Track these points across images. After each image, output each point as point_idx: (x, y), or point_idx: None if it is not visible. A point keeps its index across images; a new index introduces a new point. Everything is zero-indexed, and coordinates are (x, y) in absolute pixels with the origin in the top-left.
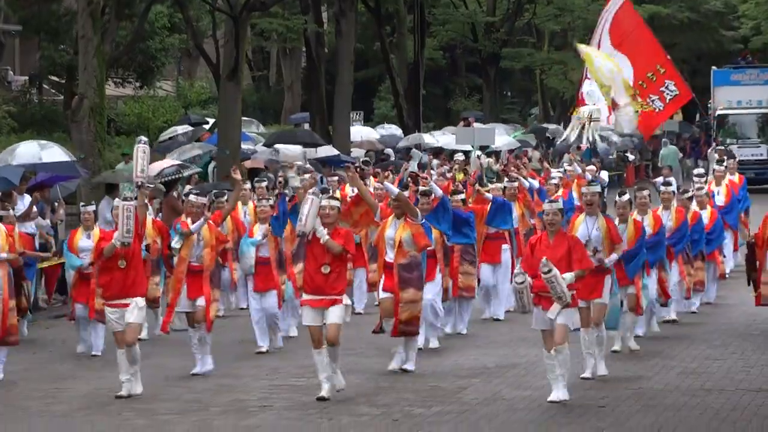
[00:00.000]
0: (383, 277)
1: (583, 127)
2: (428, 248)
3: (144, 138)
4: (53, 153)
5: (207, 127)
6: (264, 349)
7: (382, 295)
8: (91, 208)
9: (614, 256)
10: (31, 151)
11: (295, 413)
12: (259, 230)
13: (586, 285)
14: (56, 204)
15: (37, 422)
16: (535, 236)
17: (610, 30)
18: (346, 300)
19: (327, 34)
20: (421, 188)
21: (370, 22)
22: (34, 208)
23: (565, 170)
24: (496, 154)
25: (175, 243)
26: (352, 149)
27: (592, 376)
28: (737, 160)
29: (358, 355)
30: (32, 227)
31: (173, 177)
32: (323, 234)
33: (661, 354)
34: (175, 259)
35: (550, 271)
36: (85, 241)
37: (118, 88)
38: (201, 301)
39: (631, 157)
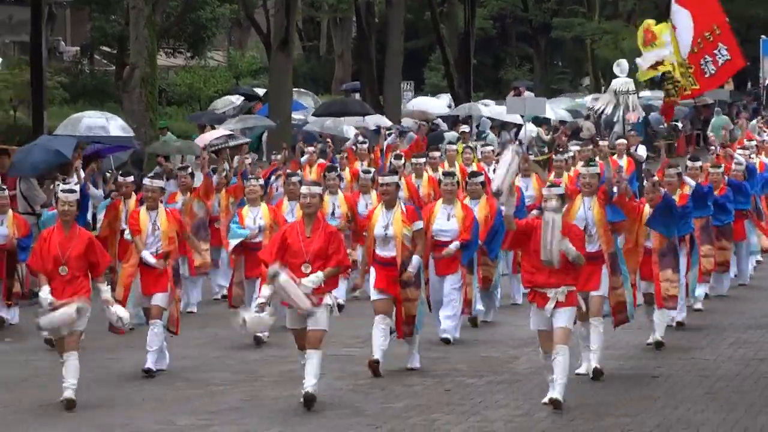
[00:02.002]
0: (375, 274)
1: (617, 102)
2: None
3: None
4: (118, 125)
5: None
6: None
7: (377, 295)
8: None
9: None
10: (99, 122)
11: (347, 383)
12: (249, 213)
13: (581, 275)
14: (108, 174)
15: (91, 392)
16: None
17: None
18: (327, 299)
19: (377, 4)
20: (470, 170)
21: None
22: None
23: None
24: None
25: (128, 234)
26: (402, 119)
27: (587, 372)
28: None
29: None
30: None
31: (220, 147)
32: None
33: (712, 325)
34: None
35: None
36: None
37: (169, 59)
38: (157, 299)
39: (681, 126)
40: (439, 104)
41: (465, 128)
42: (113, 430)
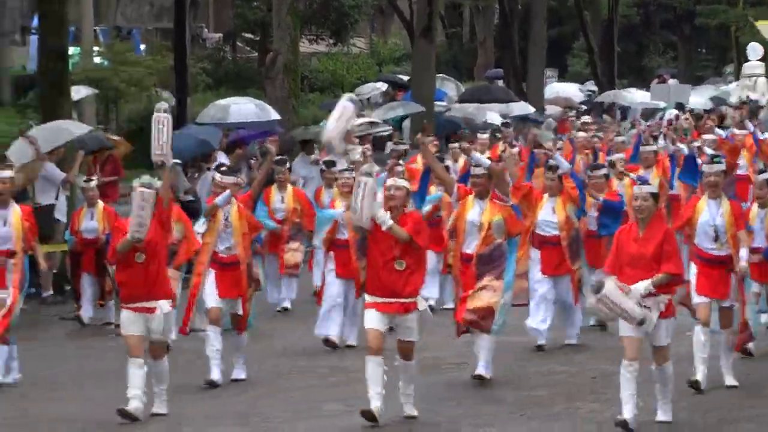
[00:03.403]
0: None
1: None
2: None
3: (164, 105)
4: (269, 112)
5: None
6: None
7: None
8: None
9: (743, 253)
10: (249, 108)
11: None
12: (342, 206)
13: (708, 279)
14: (252, 161)
15: (229, 377)
16: (624, 226)
17: None
18: (422, 304)
19: None
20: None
21: None
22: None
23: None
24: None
25: (199, 226)
26: (546, 106)
27: (702, 388)
28: None
29: None
30: None
31: (363, 133)
32: (386, 220)
33: None
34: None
35: (599, 290)
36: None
37: (311, 45)
38: (236, 306)
39: None
40: (574, 90)
41: (586, 118)
42: (254, 415)
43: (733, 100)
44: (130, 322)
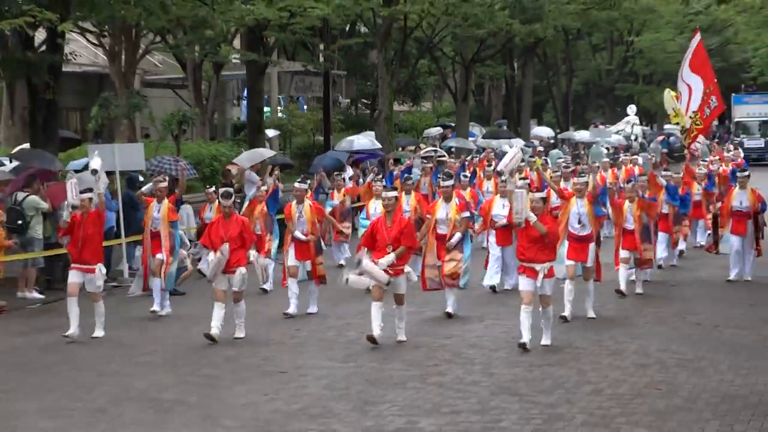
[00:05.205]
0: (435, 248)
1: (631, 131)
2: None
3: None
4: (374, 143)
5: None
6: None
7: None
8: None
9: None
10: (365, 142)
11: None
12: (372, 208)
13: (575, 250)
14: (367, 171)
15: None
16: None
17: (690, 60)
18: (407, 269)
19: (517, 76)
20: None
21: (542, 68)
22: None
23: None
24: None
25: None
26: (532, 140)
27: (568, 319)
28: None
29: None
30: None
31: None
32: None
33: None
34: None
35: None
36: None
37: (400, 106)
38: (308, 264)
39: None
40: (547, 131)
41: (540, 148)
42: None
43: (612, 139)
44: (219, 280)
